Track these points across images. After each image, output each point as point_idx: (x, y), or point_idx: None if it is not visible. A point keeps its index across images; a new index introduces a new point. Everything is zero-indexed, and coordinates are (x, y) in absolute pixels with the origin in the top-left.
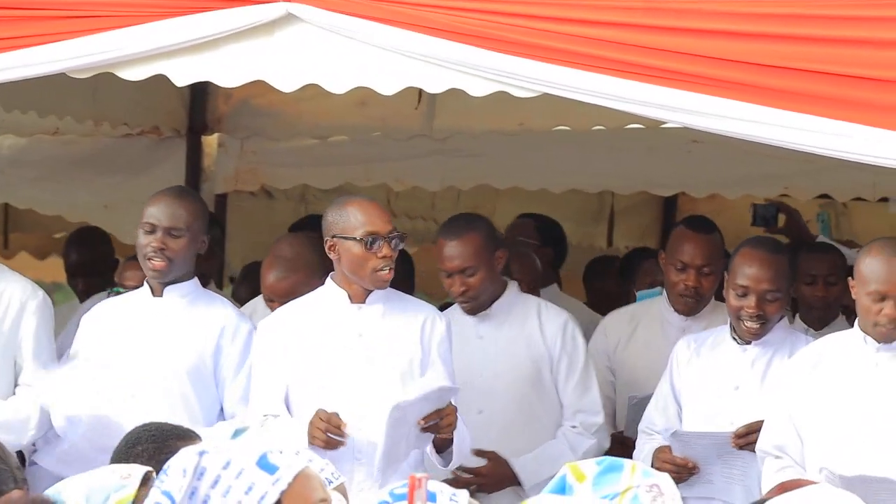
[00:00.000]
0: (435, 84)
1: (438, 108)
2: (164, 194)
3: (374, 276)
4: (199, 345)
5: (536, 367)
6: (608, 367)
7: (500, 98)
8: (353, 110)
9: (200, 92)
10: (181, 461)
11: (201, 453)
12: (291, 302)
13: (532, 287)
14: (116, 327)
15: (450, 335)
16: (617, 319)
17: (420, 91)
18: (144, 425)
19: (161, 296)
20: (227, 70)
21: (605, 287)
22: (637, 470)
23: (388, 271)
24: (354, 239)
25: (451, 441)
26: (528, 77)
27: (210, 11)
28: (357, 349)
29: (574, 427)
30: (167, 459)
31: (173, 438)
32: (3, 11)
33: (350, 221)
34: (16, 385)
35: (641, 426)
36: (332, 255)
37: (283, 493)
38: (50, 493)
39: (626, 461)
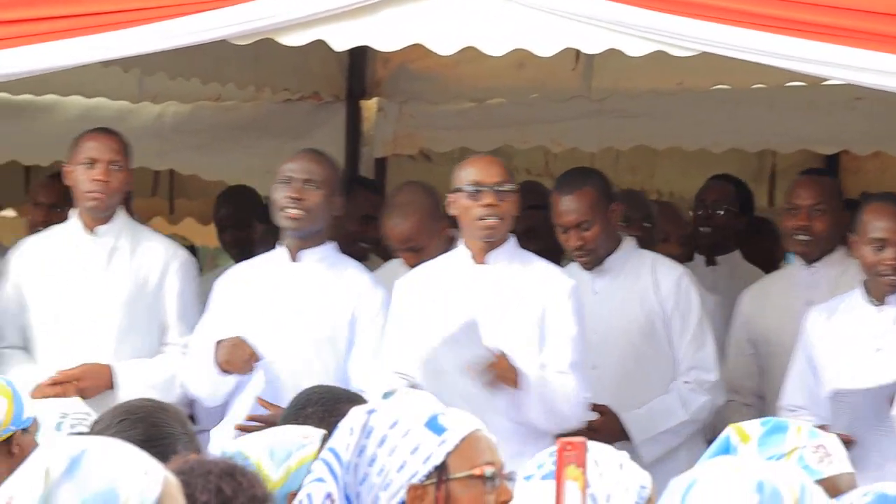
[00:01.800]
0: (593, 44)
1: (596, 69)
2: (303, 152)
3: (477, 225)
4: (335, 312)
5: (650, 322)
6: (748, 340)
7: (659, 57)
8: (511, 72)
9: (359, 56)
10: (349, 419)
11: (370, 412)
12: (426, 263)
13: (681, 244)
14: (252, 291)
15: (576, 295)
16: (751, 290)
17: (577, 52)
18: (313, 388)
19: (298, 260)
20: (385, 34)
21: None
22: (803, 430)
23: (490, 220)
24: (461, 190)
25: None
26: (686, 36)
27: None
28: (479, 308)
29: (687, 383)
30: (336, 422)
31: (342, 401)
32: None
33: (459, 175)
34: (161, 345)
35: (782, 403)
36: (452, 212)
37: (448, 454)
38: (232, 449)
39: (790, 422)
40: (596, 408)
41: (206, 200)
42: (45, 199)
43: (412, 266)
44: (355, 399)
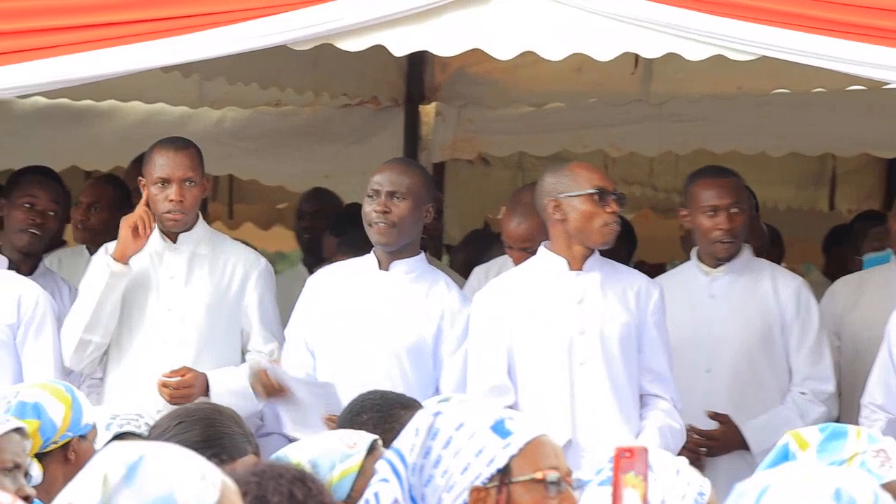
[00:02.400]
0: (652, 49)
1: (655, 73)
2: (389, 162)
3: (603, 231)
4: (422, 325)
5: (768, 330)
6: (834, 332)
7: (718, 61)
8: (570, 77)
9: (418, 61)
10: (416, 421)
11: (436, 414)
12: (507, 271)
13: (759, 253)
14: (340, 297)
15: (663, 305)
16: (845, 284)
17: (636, 56)
18: (368, 393)
19: (387, 269)
20: (444, 39)
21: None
22: (862, 435)
23: (616, 226)
24: (584, 194)
25: None
26: (745, 40)
27: None
28: (575, 316)
29: (803, 394)
30: (392, 428)
31: (398, 407)
32: None
33: (577, 179)
34: (244, 353)
35: (864, 400)
36: (555, 217)
37: (512, 457)
38: (277, 455)
39: (850, 427)
40: (716, 416)
41: (265, 205)
42: (85, 199)
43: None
44: (410, 404)
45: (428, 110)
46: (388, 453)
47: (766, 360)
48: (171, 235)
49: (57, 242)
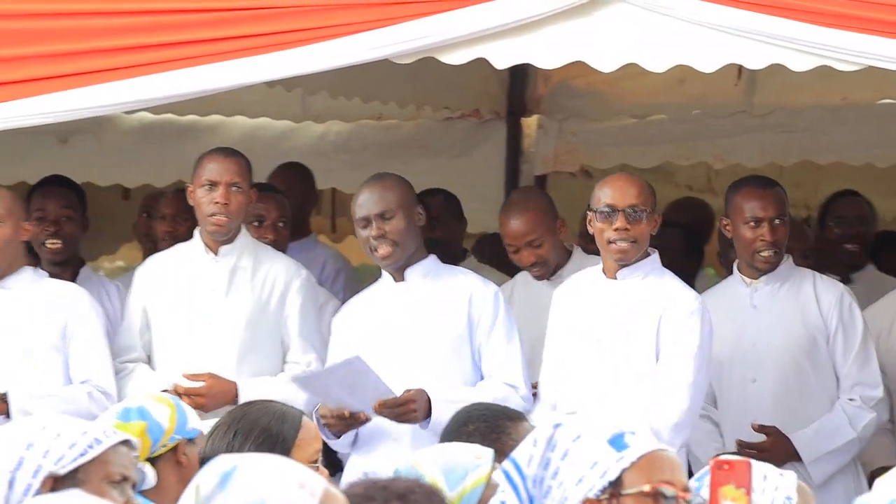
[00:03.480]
0: (756, 60)
1: (758, 84)
2: (365, 185)
3: (608, 248)
4: (452, 319)
5: (812, 338)
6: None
7: (822, 72)
8: (672, 88)
9: (520, 74)
10: (536, 432)
11: (556, 426)
12: (568, 281)
13: (804, 258)
14: (365, 322)
15: (701, 311)
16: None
17: (740, 67)
18: (474, 405)
19: (403, 279)
20: (547, 52)
21: None
22: None
23: (620, 244)
24: (595, 211)
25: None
26: (851, 50)
27: None
28: (610, 324)
29: (852, 400)
30: (498, 438)
31: (504, 418)
32: (327, 0)
33: (596, 194)
34: (283, 364)
35: None
36: (589, 229)
37: (624, 470)
38: (404, 466)
39: None
40: (763, 429)
41: None
42: (169, 211)
43: (536, 274)
44: (516, 416)
45: (530, 123)
46: (506, 464)
47: (812, 368)
48: (213, 247)
49: None
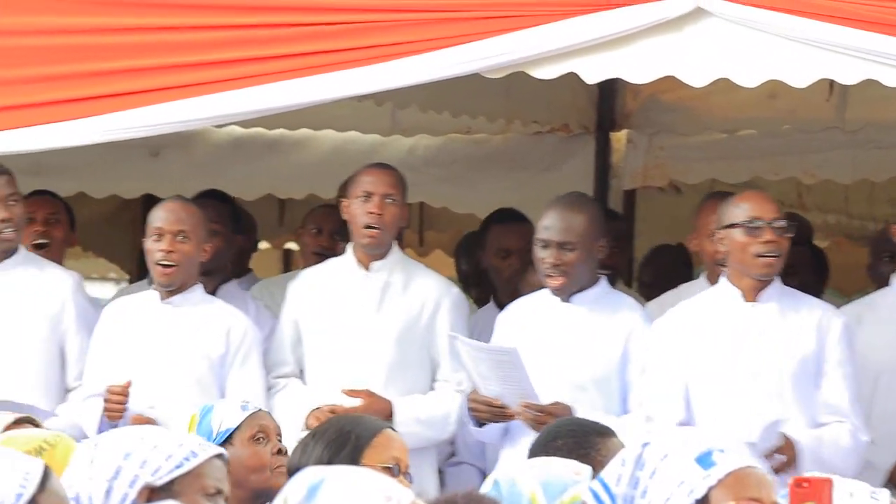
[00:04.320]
0: (848, 75)
1: (850, 99)
2: (555, 207)
3: (755, 262)
4: (609, 351)
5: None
6: None
7: None
8: (763, 103)
9: (609, 89)
10: (624, 451)
11: (644, 445)
12: (684, 301)
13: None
14: (526, 331)
15: (848, 335)
16: None
17: (831, 82)
18: (562, 420)
19: (568, 301)
20: (637, 67)
21: None
22: None
23: (771, 258)
24: (737, 225)
25: None
26: None
27: (620, 8)
28: (751, 348)
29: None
30: (586, 454)
31: (593, 434)
32: (417, 14)
33: (733, 209)
34: (433, 381)
35: None
36: (720, 248)
37: (710, 488)
38: (504, 479)
39: None
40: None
41: (455, 233)
42: (325, 226)
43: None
44: (605, 432)
45: (619, 137)
46: (594, 483)
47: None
48: (365, 262)
49: (243, 270)
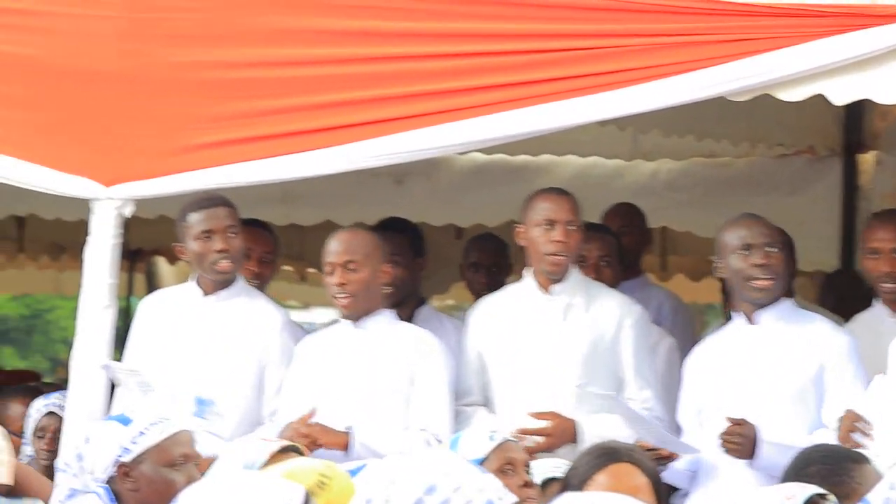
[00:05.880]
0: None
1: None
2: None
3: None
4: (803, 366)
5: None
6: None
7: None
8: None
9: (855, 109)
10: (890, 475)
11: None
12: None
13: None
14: (720, 361)
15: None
16: None
17: None
18: (816, 447)
19: (755, 322)
20: (886, 87)
21: None
22: None
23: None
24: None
25: None
26: None
27: (868, 28)
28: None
29: None
30: (841, 482)
31: (847, 461)
32: (661, 39)
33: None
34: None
35: None
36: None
37: None
38: None
39: None
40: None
41: (697, 257)
42: (483, 260)
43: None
44: (860, 458)
45: (867, 159)
46: None
47: None
48: (546, 285)
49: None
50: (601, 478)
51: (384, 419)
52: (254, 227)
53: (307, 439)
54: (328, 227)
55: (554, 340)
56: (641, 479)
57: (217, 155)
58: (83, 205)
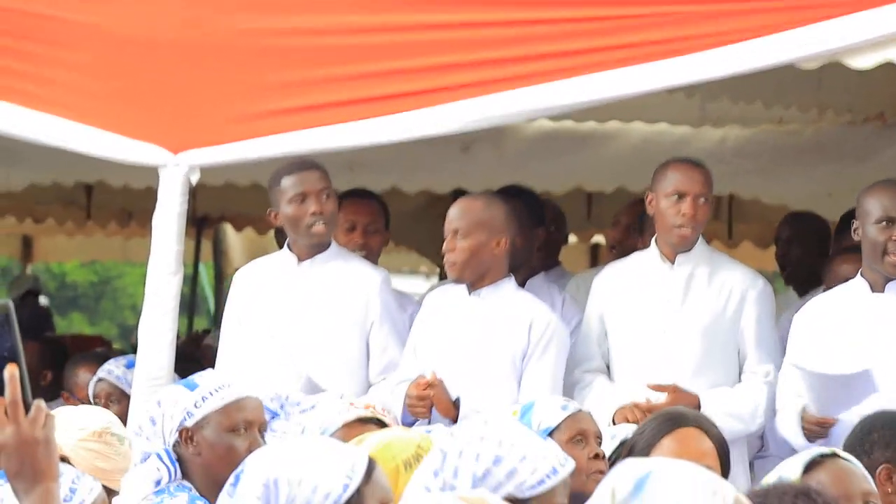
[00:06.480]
0: None
1: None
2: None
3: None
4: None
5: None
6: None
7: None
8: None
9: None
10: None
11: None
12: None
13: None
14: (833, 326)
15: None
16: None
17: None
18: (879, 413)
19: (882, 291)
20: None
21: None
22: None
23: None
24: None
25: None
26: None
27: None
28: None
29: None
30: None
31: None
32: (730, 5)
33: None
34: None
35: None
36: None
37: None
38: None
39: None
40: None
41: (764, 224)
42: (624, 220)
43: None
44: None
45: None
46: None
47: None
48: (670, 255)
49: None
50: (667, 442)
51: (492, 392)
52: (356, 198)
53: (423, 402)
54: (394, 195)
55: (674, 312)
56: (707, 444)
57: (283, 122)
58: (151, 172)
